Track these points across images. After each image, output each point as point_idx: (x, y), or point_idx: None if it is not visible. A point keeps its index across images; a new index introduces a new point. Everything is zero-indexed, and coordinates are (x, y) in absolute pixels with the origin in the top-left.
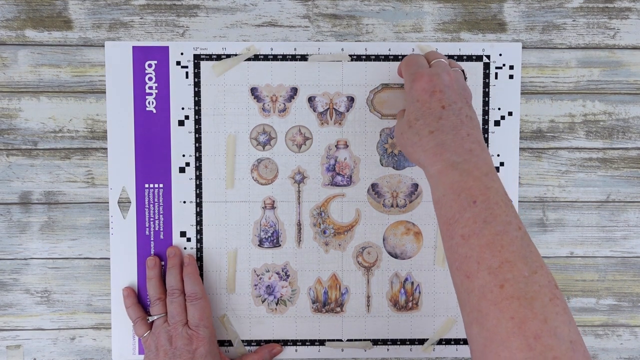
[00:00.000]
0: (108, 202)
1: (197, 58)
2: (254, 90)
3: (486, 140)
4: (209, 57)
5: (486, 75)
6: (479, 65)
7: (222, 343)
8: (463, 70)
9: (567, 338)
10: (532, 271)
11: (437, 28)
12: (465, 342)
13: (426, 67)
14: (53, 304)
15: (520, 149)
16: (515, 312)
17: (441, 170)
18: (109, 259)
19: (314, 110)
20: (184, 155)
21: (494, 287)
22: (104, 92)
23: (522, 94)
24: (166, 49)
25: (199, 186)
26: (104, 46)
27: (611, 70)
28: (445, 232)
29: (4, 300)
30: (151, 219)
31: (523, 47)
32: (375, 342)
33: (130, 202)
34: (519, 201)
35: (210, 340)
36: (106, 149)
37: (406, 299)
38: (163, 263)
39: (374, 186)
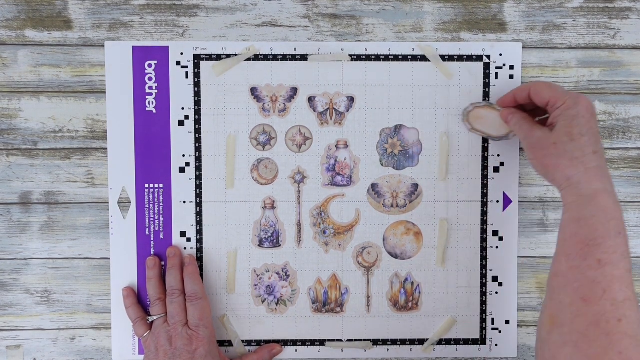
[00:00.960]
0: (108, 202)
1: (197, 58)
2: (254, 90)
3: (486, 140)
4: (209, 57)
5: (486, 75)
6: (479, 65)
7: (222, 343)
8: None
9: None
10: None
11: (437, 28)
12: (465, 342)
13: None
14: (53, 304)
15: (520, 149)
16: (626, 348)
17: (598, 191)
18: (108, 259)
19: (314, 110)
20: (184, 156)
21: (611, 318)
22: (104, 92)
23: None
24: (166, 49)
25: (199, 186)
26: (103, 46)
27: (611, 70)
28: (577, 251)
29: (4, 300)
30: (151, 219)
31: (523, 47)
32: (375, 342)
33: (130, 202)
34: (519, 201)
35: (210, 341)
36: (106, 149)
37: (406, 299)
38: (163, 263)
39: (374, 186)
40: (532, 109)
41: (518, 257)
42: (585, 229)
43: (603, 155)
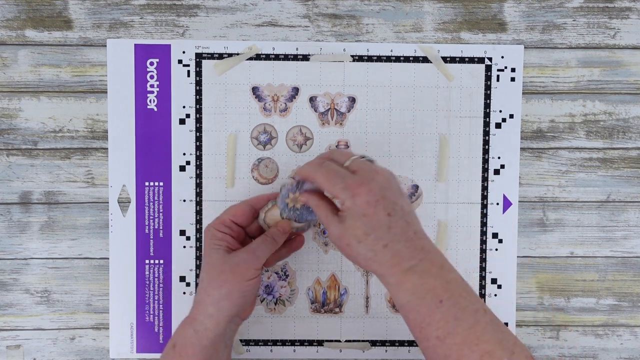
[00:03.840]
0: (108, 202)
1: (199, 57)
2: (255, 90)
3: (487, 142)
4: (211, 56)
5: (488, 78)
6: (481, 68)
7: None
8: (363, 156)
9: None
10: (510, 352)
11: (437, 28)
12: None
13: (349, 174)
14: (53, 304)
15: (520, 149)
16: None
17: (401, 278)
18: (108, 259)
19: (315, 111)
20: (184, 154)
21: None
22: (104, 92)
23: (522, 94)
24: (168, 47)
25: (199, 185)
26: (104, 46)
27: (611, 70)
28: (419, 335)
29: (4, 300)
30: (151, 217)
31: (523, 47)
32: (374, 343)
33: (130, 200)
34: (519, 201)
35: None
36: (106, 149)
37: None
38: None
39: None
40: None
41: (517, 257)
42: (411, 314)
43: (396, 238)
